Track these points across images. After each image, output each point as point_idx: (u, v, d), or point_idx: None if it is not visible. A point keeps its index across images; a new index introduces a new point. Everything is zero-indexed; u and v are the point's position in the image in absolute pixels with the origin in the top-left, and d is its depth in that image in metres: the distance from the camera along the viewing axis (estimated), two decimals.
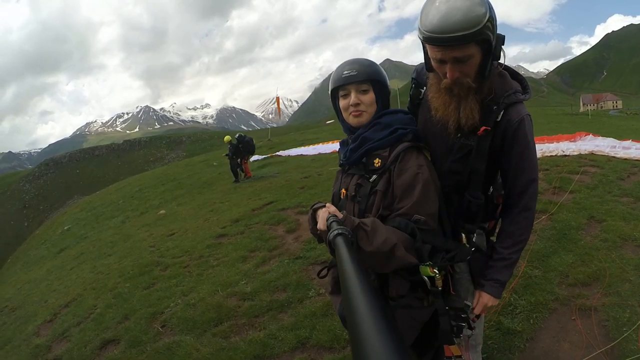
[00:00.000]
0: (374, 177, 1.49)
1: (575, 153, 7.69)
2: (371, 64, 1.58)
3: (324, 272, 1.58)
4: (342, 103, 1.58)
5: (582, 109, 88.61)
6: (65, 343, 4.01)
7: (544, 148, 8.32)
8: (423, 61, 1.55)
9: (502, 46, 1.38)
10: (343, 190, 1.62)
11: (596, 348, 2.47)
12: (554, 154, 7.87)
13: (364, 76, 1.53)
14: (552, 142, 8.99)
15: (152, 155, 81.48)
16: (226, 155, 14.03)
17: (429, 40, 1.31)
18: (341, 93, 1.58)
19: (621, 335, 2.52)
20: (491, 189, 1.64)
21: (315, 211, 1.48)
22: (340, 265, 0.85)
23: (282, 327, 3.24)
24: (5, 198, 63.44)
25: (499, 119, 1.44)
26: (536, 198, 1.58)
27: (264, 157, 19.87)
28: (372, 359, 0.48)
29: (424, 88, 1.61)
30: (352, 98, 1.54)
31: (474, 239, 1.64)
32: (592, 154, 7.58)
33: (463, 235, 1.63)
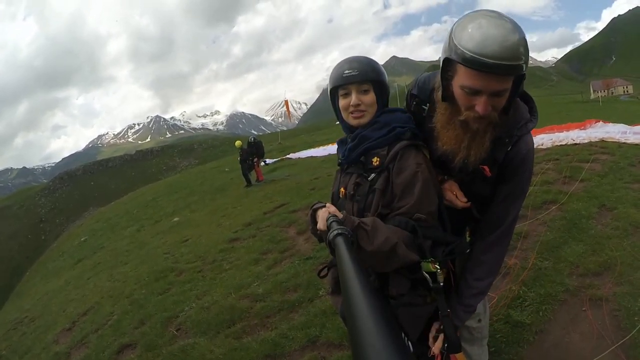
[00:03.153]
0: (373, 175, 1.48)
1: (586, 141, 7.56)
2: (371, 62, 1.56)
3: (324, 272, 1.58)
4: (342, 103, 1.56)
5: (592, 96, 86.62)
6: (84, 349, 4.15)
7: (553, 137, 8.20)
8: (425, 71, 1.55)
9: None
10: (342, 190, 1.61)
11: (607, 339, 2.43)
12: (564, 143, 7.75)
13: (365, 76, 1.51)
14: (562, 131, 8.84)
15: (164, 164, 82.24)
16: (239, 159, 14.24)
17: (477, 64, 1.12)
18: (341, 92, 1.56)
19: (633, 324, 2.47)
20: None
21: (315, 211, 1.46)
22: (340, 266, 0.85)
23: (293, 326, 3.30)
24: (22, 213, 64.72)
25: (509, 149, 1.37)
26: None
27: (275, 161, 20.02)
28: (372, 358, 0.48)
29: (427, 105, 1.51)
30: (353, 99, 1.52)
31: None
32: (602, 141, 7.44)
33: (468, 230, 1.62)
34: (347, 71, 1.51)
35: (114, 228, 17.12)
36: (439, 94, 1.37)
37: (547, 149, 7.57)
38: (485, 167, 1.37)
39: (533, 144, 1.44)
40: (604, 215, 4.17)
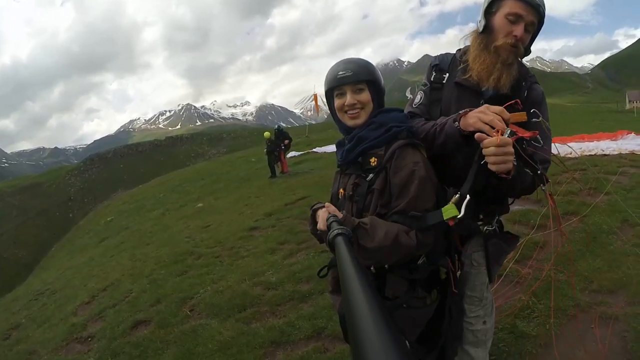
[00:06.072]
0: (371, 175, 1.50)
1: (616, 152, 7.36)
2: (366, 64, 1.58)
3: (324, 272, 1.61)
4: (337, 103, 1.59)
5: (628, 106, 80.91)
6: (100, 322, 4.33)
7: (583, 147, 7.98)
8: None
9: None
10: (341, 190, 1.63)
11: None
12: (593, 153, 7.56)
13: (359, 76, 1.54)
14: (592, 141, 8.60)
15: (193, 151, 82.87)
16: (266, 151, 14.50)
17: None
18: (336, 93, 1.59)
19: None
20: None
21: (315, 212, 1.51)
22: (340, 265, 0.87)
23: (301, 316, 3.37)
24: (51, 191, 66.08)
25: (525, 94, 1.64)
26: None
27: (301, 154, 20.13)
28: (372, 358, 0.49)
29: (447, 74, 1.76)
30: (348, 99, 1.54)
31: (496, 220, 1.72)
32: (633, 153, 7.20)
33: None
34: (341, 72, 1.54)
35: (140, 210, 17.62)
36: (476, 44, 1.63)
37: (575, 158, 7.39)
38: (517, 100, 1.53)
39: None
40: (626, 231, 4.07)
